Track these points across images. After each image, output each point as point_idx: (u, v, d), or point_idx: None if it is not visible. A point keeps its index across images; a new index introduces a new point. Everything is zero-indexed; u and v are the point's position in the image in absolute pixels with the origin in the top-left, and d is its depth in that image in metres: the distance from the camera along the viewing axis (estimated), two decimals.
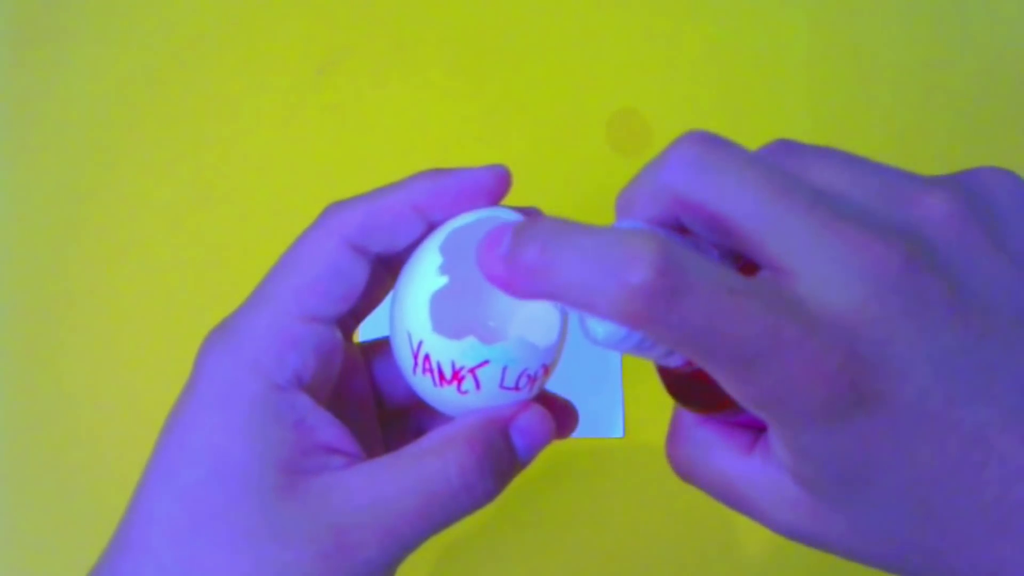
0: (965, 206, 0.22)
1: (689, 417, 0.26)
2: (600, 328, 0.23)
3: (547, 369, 0.28)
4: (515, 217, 0.28)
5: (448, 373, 0.27)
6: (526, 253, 0.21)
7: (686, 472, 0.26)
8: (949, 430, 0.21)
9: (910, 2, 0.52)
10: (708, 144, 0.22)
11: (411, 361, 0.28)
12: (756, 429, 0.25)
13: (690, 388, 0.25)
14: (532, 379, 0.28)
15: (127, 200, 0.49)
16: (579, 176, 0.49)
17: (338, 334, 0.28)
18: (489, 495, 0.27)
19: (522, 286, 0.22)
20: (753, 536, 0.44)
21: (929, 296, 0.21)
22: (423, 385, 0.28)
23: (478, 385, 0.27)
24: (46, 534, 0.44)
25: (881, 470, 0.22)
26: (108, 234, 0.48)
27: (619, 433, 0.45)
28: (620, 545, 0.44)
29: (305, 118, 0.50)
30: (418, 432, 0.32)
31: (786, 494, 0.23)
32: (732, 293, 0.20)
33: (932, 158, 0.49)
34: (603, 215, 0.24)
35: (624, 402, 0.45)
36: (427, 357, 0.27)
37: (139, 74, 0.51)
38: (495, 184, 0.28)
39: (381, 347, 0.32)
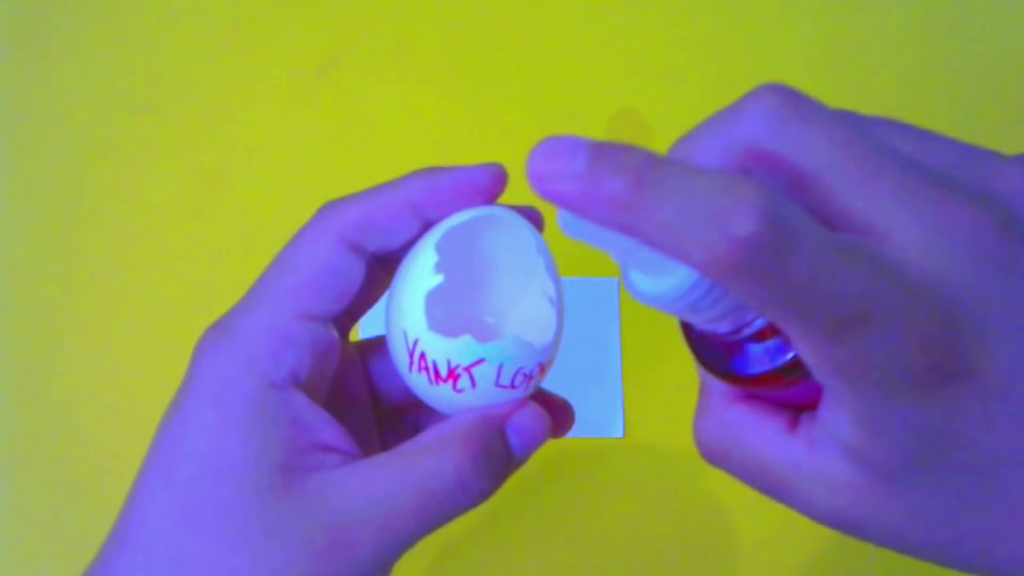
0: None
1: (720, 396, 0.25)
2: (651, 283, 0.21)
3: (543, 367, 0.28)
4: (513, 215, 0.28)
5: (444, 371, 0.27)
6: (615, 182, 0.19)
7: (718, 453, 0.25)
8: None
9: (911, 3, 0.52)
10: (792, 96, 0.21)
11: (407, 359, 0.28)
12: (794, 408, 0.24)
13: (730, 358, 0.23)
14: (528, 377, 0.28)
15: (126, 200, 0.49)
16: None
17: (334, 332, 0.29)
18: (485, 493, 0.27)
19: (599, 214, 0.19)
20: (752, 536, 0.44)
21: (1019, 266, 0.20)
22: (419, 383, 0.28)
23: (474, 383, 0.27)
24: (44, 534, 0.44)
25: (960, 447, 0.21)
26: (107, 234, 0.48)
27: (619, 433, 0.45)
28: (620, 545, 0.44)
29: (305, 118, 0.50)
30: (415, 430, 0.32)
31: (834, 477, 0.22)
32: (835, 251, 0.19)
33: None
34: None
35: (624, 402, 0.45)
36: (423, 355, 0.27)
37: (139, 74, 0.51)
38: (491, 182, 0.28)
39: (378, 345, 0.32)
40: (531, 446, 0.28)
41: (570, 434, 0.44)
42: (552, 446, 0.42)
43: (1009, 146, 0.50)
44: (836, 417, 0.22)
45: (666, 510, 0.44)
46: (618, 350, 0.46)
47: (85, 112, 0.50)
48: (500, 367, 0.27)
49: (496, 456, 0.27)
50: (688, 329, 0.25)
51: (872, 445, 0.21)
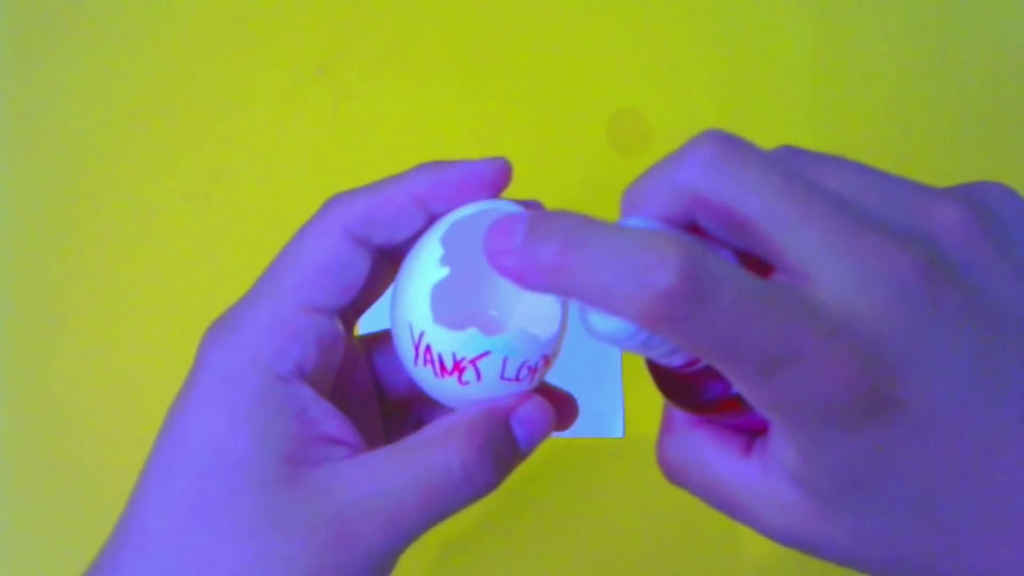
0: (975, 217, 0.22)
1: (682, 420, 0.26)
2: (604, 323, 0.22)
3: (548, 360, 0.28)
4: (517, 209, 0.28)
5: (449, 364, 0.27)
6: (544, 249, 0.21)
7: (679, 475, 0.26)
8: (962, 436, 0.21)
9: (913, 4, 0.52)
10: (729, 144, 0.22)
11: (412, 352, 0.28)
12: (751, 432, 0.25)
13: (687, 388, 0.25)
14: (533, 370, 0.28)
15: (127, 199, 0.49)
16: (579, 176, 0.49)
17: (340, 326, 0.29)
18: (490, 486, 0.27)
19: (536, 281, 0.21)
20: (753, 536, 0.44)
21: (945, 304, 0.21)
22: (424, 376, 0.28)
23: (479, 376, 0.27)
24: (46, 531, 0.44)
25: (892, 475, 0.22)
26: (109, 233, 0.48)
27: (619, 433, 0.45)
28: (619, 545, 0.44)
29: (305, 118, 0.50)
30: (419, 424, 0.32)
31: (783, 499, 0.23)
32: (755, 297, 0.20)
33: (934, 162, 0.49)
34: (603, 215, 0.24)
35: (624, 402, 0.45)
36: (428, 348, 0.27)
37: (139, 74, 0.51)
38: (496, 176, 0.28)
39: (382, 340, 0.32)
40: (536, 438, 0.28)
41: (570, 434, 0.44)
42: (552, 446, 0.42)
43: (1008, 152, 0.50)
44: (780, 445, 0.23)
45: (666, 510, 0.44)
46: (618, 350, 0.46)
47: (85, 112, 0.50)
48: (505, 360, 0.27)
49: (501, 448, 0.27)
50: (649, 360, 0.26)
51: (809, 471, 0.22)
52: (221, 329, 0.28)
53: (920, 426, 0.21)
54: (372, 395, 0.32)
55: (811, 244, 0.21)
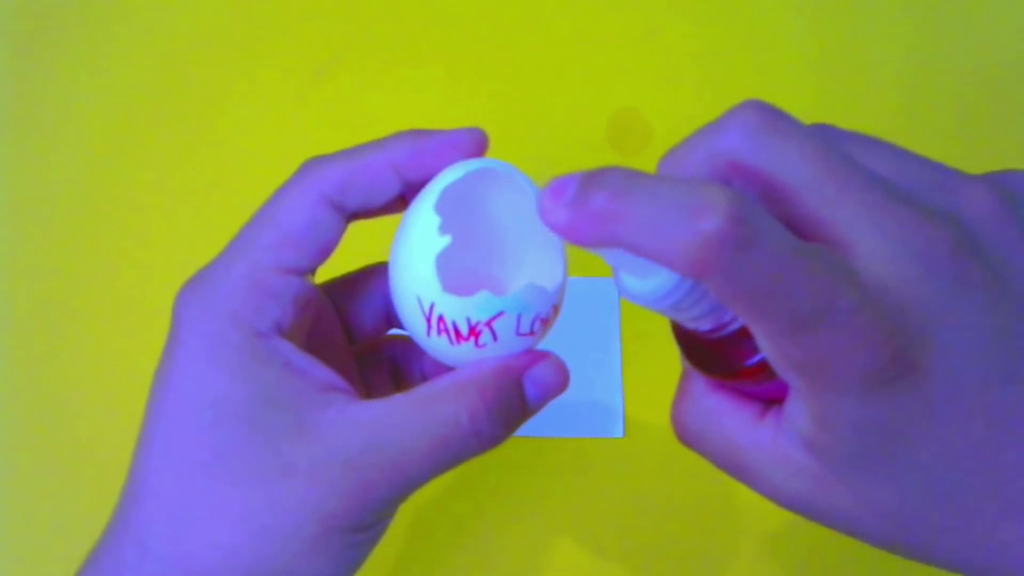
0: (1002, 201, 0.23)
1: (699, 385, 0.26)
2: (638, 284, 0.23)
3: (556, 309, 0.29)
4: (506, 167, 0.28)
5: (464, 330, 0.27)
6: (595, 198, 0.21)
7: (693, 435, 0.26)
8: (978, 411, 0.22)
9: (912, 5, 0.52)
10: (771, 113, 0.23)
11: (423, 325, 0.28)
12: (766, 401, 0.25)
13: (711, 354, 0.25)
14: (544, 321, 0.28)
15: (127, 200, 0.49)
16: None
17: (312, 284, 0.29)
18: (497, 441, 0.27)
19: (586, 232, 0.21)
20: (752, 537, 0.44)
21: (972, 281, 0.22)
22: (438, 346, 0.28)
23: (495, 337, 0.27)
24: (47, 522, 0.44)
25: (904, 444, 0.22)
26: (109, 232, 0.48)
27: (619, 433, 0.45)
28: (619, 545, 0.44)
29: (305, 118, 0.50)
30: (392, 363, 0.33)
31: (793, 464, 0.24)
32: (797, 252, 0.20)
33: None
34: None
35: (624, 402, 0.45)
36: (441, 318, 0.27)
37: (139, 75, 0.51)
38: (473, 146, 0.29)
39: (344, 284, 0.33)
40: (546, 397, 0.28)
41: (570, 434, 0.44)
42: (552, 446, 0.42)
43: (1009, 148, 0.50)
44: (795, 409, 0.23)
45: (666, 510, 0.44)
46: (618, 350, 0.46)
47: (85, 113, 0.50)
48: (519, 316, 0.27)
49: (511, 405, 0.27)
50: (676, 325, 0.26)
51: (824, 437, 0.23)
52: (196, 288, 0.28)
53: (936, 397, 0.22)
54: (344, 343, 0.32)
55: (847, 214, 0.21)
